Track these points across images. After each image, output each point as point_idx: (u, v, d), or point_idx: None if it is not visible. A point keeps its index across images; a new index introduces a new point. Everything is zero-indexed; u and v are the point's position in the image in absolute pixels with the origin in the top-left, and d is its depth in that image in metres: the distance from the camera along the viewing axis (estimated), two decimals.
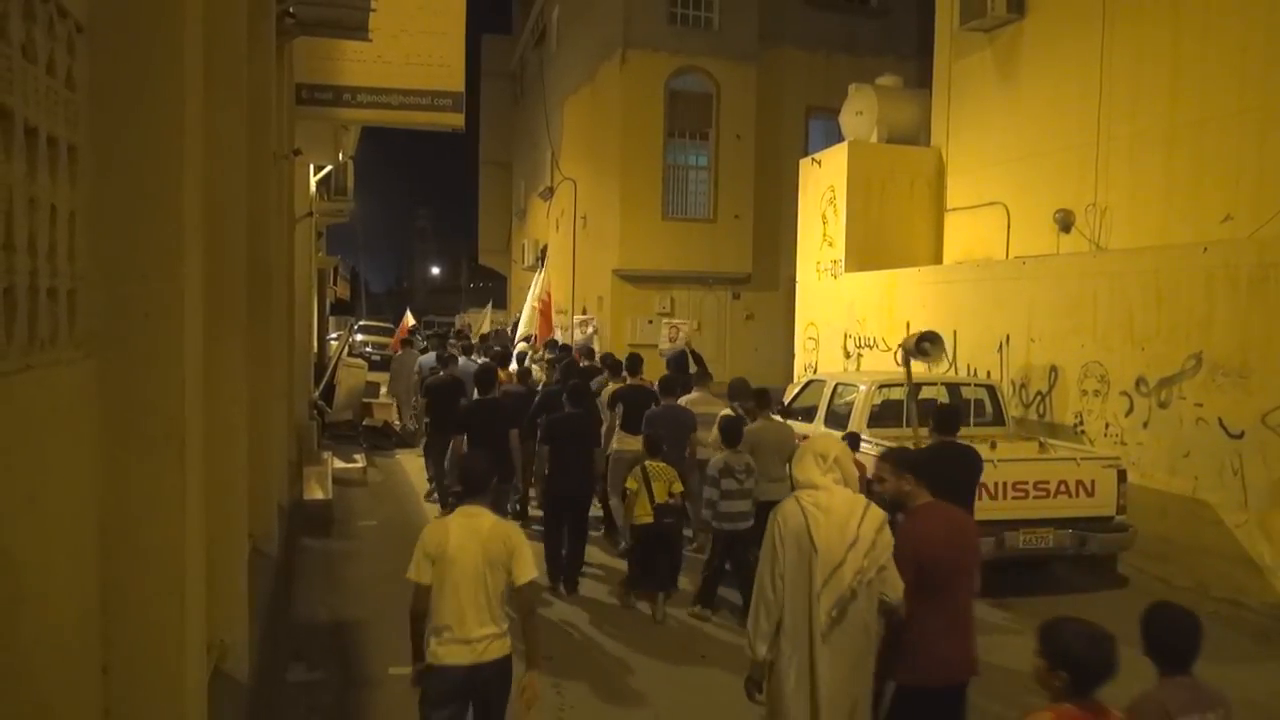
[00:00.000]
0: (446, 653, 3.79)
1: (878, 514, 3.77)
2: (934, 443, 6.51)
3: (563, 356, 12.03)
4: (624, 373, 9.81)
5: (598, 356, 13.21)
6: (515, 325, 19.95)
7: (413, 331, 19.15)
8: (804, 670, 3.66)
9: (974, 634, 4.08)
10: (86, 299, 2.38)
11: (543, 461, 7.83)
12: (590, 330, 17.27)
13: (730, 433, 7.21)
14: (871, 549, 3.67)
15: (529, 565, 3.91)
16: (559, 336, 17.57)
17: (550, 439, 7.70)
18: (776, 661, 3.73)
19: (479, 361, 11.34)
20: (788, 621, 3.69)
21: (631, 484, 7.29)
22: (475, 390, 8.39)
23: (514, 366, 12.26)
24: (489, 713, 3.95)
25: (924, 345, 8.08)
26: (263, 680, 4.51)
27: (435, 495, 10.59)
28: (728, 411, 8.17)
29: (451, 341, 16.37)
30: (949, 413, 7.02)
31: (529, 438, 8.51)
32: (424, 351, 15.25)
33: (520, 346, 15.57)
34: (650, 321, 18.42)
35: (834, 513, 3.69)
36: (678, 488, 7.26)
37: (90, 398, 2.45)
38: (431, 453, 10.82)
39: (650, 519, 7.14)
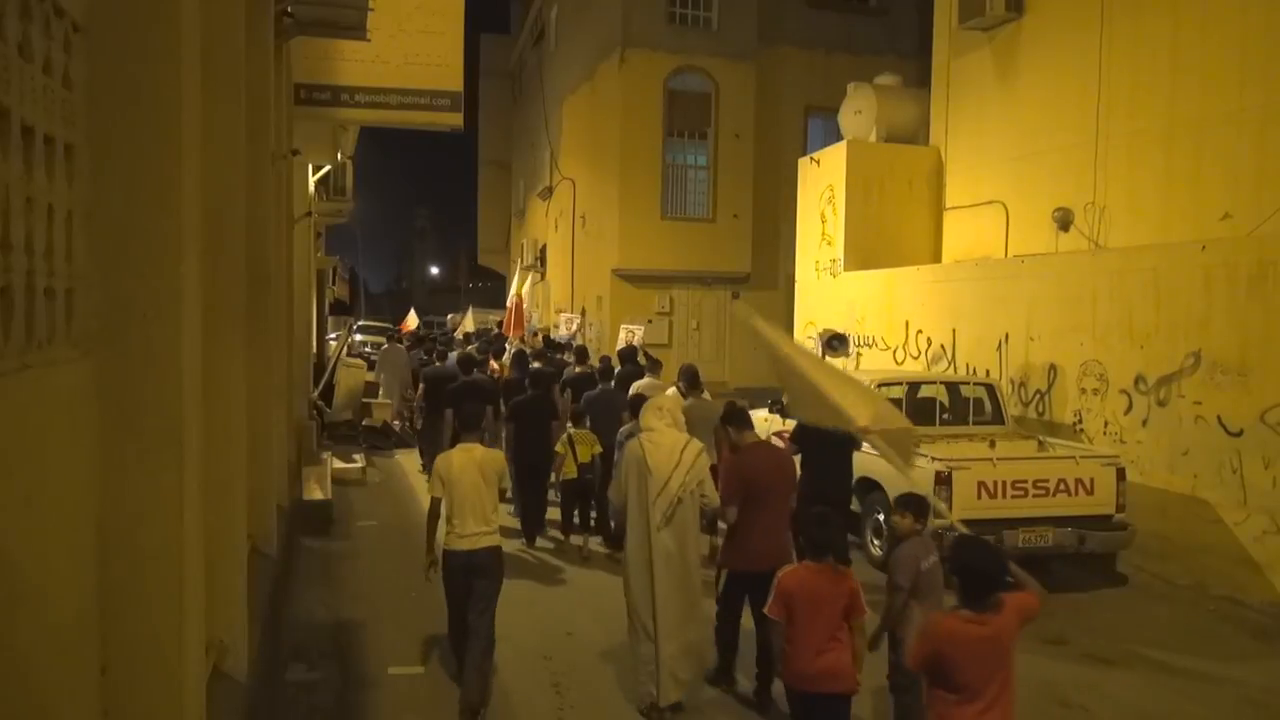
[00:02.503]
0: (452, 542, 5.31)
1: (696, 445, 5.34)
2: None
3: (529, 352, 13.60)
4: (587, 363, 11.71)
5: (569, 351, 13.99)
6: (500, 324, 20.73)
7: (394, 333, 19.67)
8: (644, 554, 5.19)
9: (786, 535, 5.54)
10: (84, 298, 2.37)
11: (509, 436, 9.15)
12: (574, 327, 17.72)
13: (636, 407, 8.17)
14: (691, 468, 5.23)
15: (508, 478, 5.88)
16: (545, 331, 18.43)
17: (514, 418, 9.09)
18: (626, 550, 5.32)
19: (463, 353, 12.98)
20: (632, 518, 5.27)
21: (560, 449, 8.67)
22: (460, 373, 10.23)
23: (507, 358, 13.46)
24: (475, 584, 5.31)
25: (833, 343, 9.35)
26: (262, 680, 4.51)
27: (426, 470, 11.19)
28: (672, 390, 9.09)
29: (450, 337, 17.41)
30: None
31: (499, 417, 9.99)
32: (410, 349, 16.75)
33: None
34: (650, 321, 18.48)
35: (663, 446, 5.27)
36: (597, 449, 8.63)
37: (88, 397, 2.45)
38: (426, 434, 12.02)
39: (575, 476, 8.58)
